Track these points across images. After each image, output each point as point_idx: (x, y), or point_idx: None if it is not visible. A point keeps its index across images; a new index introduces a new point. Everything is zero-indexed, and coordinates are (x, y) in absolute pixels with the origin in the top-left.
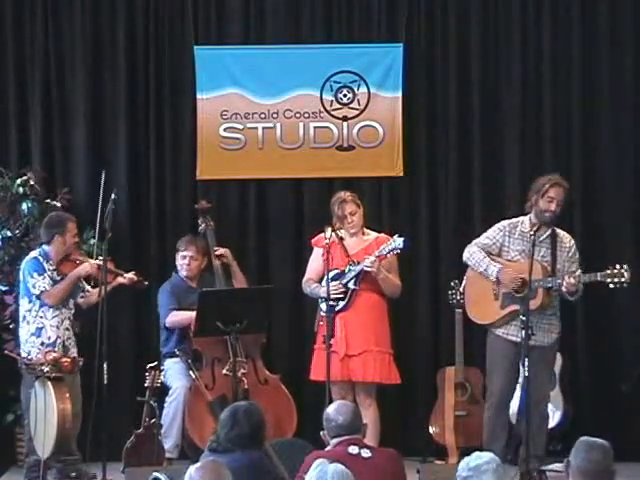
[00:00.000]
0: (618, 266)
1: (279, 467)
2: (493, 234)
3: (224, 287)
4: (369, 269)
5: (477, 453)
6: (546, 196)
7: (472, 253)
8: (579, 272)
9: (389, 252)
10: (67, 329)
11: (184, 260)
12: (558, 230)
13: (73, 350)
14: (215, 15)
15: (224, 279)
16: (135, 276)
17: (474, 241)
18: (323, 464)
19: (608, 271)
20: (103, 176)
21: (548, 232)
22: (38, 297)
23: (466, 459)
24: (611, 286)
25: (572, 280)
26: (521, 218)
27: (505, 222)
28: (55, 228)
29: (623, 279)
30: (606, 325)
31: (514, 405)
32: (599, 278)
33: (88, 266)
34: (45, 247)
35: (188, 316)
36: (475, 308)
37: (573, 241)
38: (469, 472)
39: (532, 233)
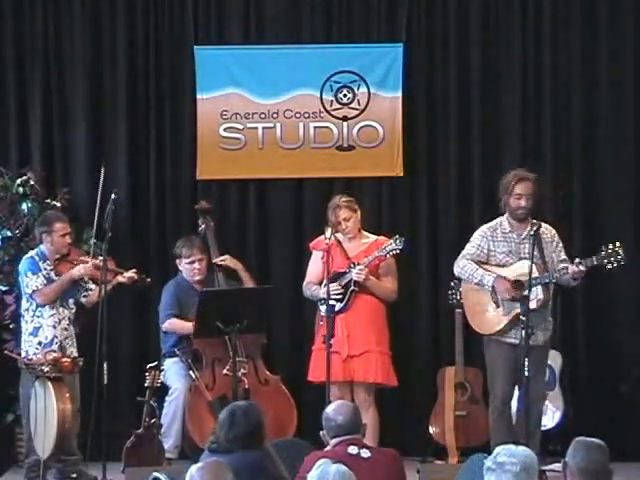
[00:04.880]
0: (611, 245)
1: (280, 467)
2: (477, 241)
3: (224, 287)
4: (357, 277)
5: (512, 448)
6: (514, 194)
7: (463, 266)
8: (577, 259)
9: (389, 252)
10: (65, 329)
11: (193, 265)
12: (536, 221)
13: (71, 350)
14: (215, 15)
15: (225, 280)
16: (135, 274)
17: (461, 254)
18: (325, 464)
19: (602, 252)
20: (102, 172)
21: (528, 229)
22: (31, 296)
23: (500, 449)
24: (609, 267)
25: (581, 268)
26: (499, 219)
27: (484, 227)
28: (42, 227)
29: (619, 257)
30: (606, 325)
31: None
32: (595, 262)
33: (82, 269)
34: (42, 247)
35: (186, 327)
36: (479, 320)
37: (554, 231)
38: (493, 465)
39: (532, 233)
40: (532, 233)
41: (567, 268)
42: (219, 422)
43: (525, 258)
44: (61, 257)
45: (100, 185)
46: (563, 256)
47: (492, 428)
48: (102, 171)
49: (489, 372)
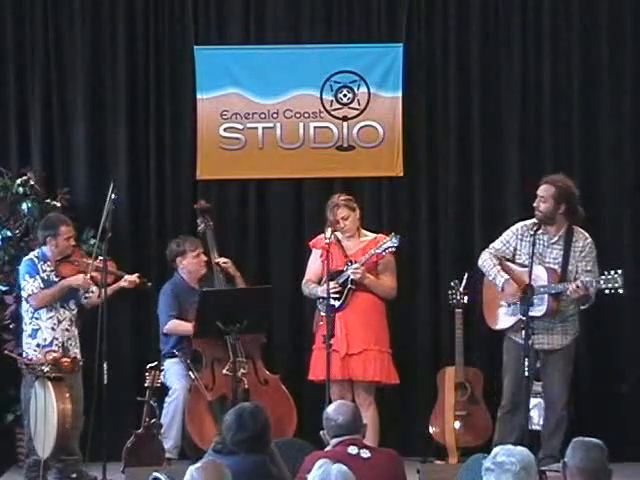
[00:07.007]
0: (612, 272)
1: (284, 471)
2: (506, 238)
3: (224, 287)
4: (353, 276)
5: (510, 448)
6: (537, 195)
7: (484, 260)
8: (582, 277)
9: (385, 250)
10: (66, 330)
11: (199, 258)
12: (576, 229)
13: (75, 351)
14: (215, 15)
15: (224, 280)
16: (138, 278)
17: (490, 245)
18: (326, 464)
19: (602, 277)
20: (112, 187)
21: (561, 232)
22: (26, 300)
23: (499, 449)
24: (606, 292)
25: (574, 286)
26: (535, 220)
27: (519, 224)
28: (47, 231)
29: (617, 284)
30: (606, 325)
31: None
32: (594, 284)
33: (81, 279)
34: (43, 248)
35: (187, 328)
36: (489, 313)
37: (589, 240)
38: (492, 465)
39: (532, 233)
40: (532, 233)
41: (569, 284)
42: (226, 424)
43: (547, 263)
44: (63, 258)
45: (108, 199)
46: (589, 267)
47: (497, 425)
48: (112, 187)
49: (502, 370)
